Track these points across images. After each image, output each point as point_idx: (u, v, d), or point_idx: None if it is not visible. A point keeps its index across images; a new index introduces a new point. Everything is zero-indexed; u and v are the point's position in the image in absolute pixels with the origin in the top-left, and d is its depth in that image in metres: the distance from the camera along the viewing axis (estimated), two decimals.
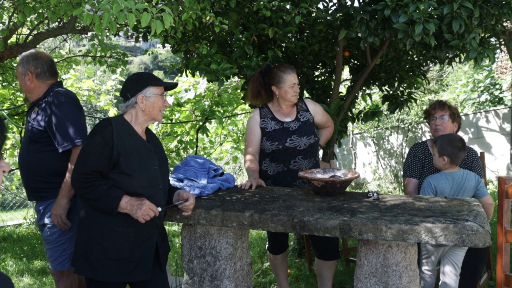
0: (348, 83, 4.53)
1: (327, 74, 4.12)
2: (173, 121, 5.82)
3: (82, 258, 2.05)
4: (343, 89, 5.08)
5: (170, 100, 5.22)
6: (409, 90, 4.18)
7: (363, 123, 4.49)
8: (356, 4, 3.11)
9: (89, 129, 2.46)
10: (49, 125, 2.43)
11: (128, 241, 2.04)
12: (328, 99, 3.82)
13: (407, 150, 8.12)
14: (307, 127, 2.87)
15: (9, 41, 3.95)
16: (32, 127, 2.48)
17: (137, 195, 2.03)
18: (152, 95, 2.10)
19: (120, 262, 2.04)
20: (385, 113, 7.08)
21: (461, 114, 4.16)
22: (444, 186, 2.58)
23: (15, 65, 5.03)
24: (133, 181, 2.03)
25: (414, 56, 4.04)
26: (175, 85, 2.22)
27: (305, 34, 3.69)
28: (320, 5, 3.41)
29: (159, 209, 2.04)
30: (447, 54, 2.92)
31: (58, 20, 3.93)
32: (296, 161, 2.84)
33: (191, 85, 5.36)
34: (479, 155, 2.96)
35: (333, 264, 2.85)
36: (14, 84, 5.28)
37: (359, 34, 2.93)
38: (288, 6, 3.09)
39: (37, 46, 4.23)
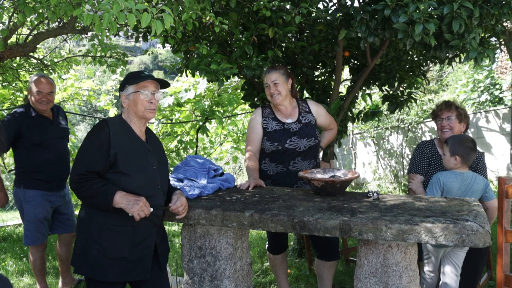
0: (348, 83, 4.53)
1: (327, 74, 4.11)
2: (173, 121, 5.82)
3: (81, 257, 2.06)
4: (343, 89, 5.08)
5: (170, 100, 5.22)
6: (409, 90, 4.17)
7: (363, 123, 4.49)
8: (356, 4, 3.11)
9: (89, 129, 2.59)
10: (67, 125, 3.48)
11: (127, 240, 2.05)
12: (328, 99, 3.82)
13: (407, 150, 8.12)
14: (308, 129, 2.87)
15: (9, 41, 3.94)
16: (65, 128, 3.42)
17: (136, 195, 2.03)
18: (131, 92, 2.10)
19: (118, 262, 2.04)
20: (385, 113, 7.08)
21: None
22: (453, 185, 2.57)
23: (15, 65, 5.03)
24: (131, 181, 2.03)
25: (414, 56, 4.04)
26: (150, 77, 2.14)
27: (305, 34, 3.69)
28: (320, 5, 3.41)
29: (151, 209, 2.04)
30: (447, 54, 2.92)
31: (58, 20, 3.92)
32: (295, 162, 2.84)
33: (191, 85, 5.36)
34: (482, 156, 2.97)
35: (333, 265, 2.85)
36: (14, 84, 5.28)
37: (359, 34, 2.93)
38: (288, 6, 3.09)
39: (37, 46, 4.22)
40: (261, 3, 2.92)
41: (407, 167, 4.32)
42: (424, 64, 4.21)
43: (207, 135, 5.55)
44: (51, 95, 3.24)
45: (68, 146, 3.67)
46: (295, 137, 2.82)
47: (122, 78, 5.59)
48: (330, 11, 3.34)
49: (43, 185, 3.21)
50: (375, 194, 2.33)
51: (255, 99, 3.83)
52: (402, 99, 4.12)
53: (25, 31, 4.94)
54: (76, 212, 3.52)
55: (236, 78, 4.97)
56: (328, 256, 2.82)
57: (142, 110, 2.10)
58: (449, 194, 2.58)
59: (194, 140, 5.73)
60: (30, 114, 3.20)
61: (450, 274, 2.56)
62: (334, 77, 3.82)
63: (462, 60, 3.57)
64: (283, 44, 3.68)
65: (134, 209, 1.96)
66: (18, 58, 4.94)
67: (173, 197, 2.20)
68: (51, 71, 5.12)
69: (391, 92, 4.17)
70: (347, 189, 2.99)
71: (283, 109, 2.89)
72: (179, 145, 5.83)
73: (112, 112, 6.24)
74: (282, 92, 2.81)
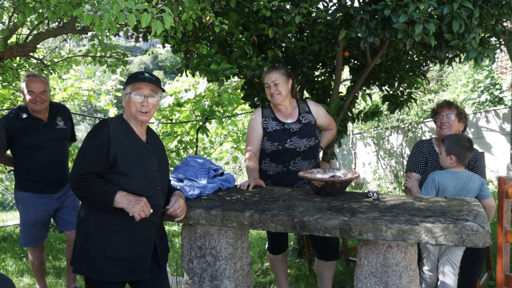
0: (348, 83, 4.53)
1: (327, 74, 4.12)
2: (173, 121, 5.82)
3: (81, 257, 2.06)
4: (343, 89, 5.08)
5: (170, 100, 5.22)
6: (409, 90, 4.18)
7: (363, 123, 4.49)
8: (356, 4, 3.11)
9: (89, 129, 2.58)
10: (70, 126, 3.40)
11: (126, 240, 2.05)
12: (328, 99, 3.82)
13: (407, 150, 8.12)
14: (308, 129, 2.87)
15: (9, 41, 3.94)
16: (62, 128, 3.29)
17: (136, 195, 2.03)
18: (127, 93, 2.12)
19: (118, 262, 2.04)
20: (385, 113, 7.08)
21: None
22: (448, 184, 2.58)
23: (15, 65, 5.03)
24: (130, 181, 2.03)
25: (414, 56, 4.04)
26: (147, 79, 2.11)
27: (305, 34, 3.69)
28: (320, 5, 3.41)
29: (151, 211, 2.04)
30: (447, 54, 2.92)
31: (58, 20, 3.92)
32: (295, 162, 2.84)
33: (191, 85, 5.36)
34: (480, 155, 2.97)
35: (333, 265, 2.85)
36: (14, 84, 5.28)
37: (359, 34, 2.93)
38: (288, 6, 3.09)
39: (37, 46, 4.22)
40: (261, 3, 2.92)
41: None
42: (424, 64, 4.21)
43: (207, 135, 5.55)
44: (44, 94, 3.12)
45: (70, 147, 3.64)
46: (295, 137, 2.82)
47: (122, 78, 5.61)
48: (330, 11, 3.35)
49: (35, 188, 3.14)
50: (375, 194, 2.33)
51: (255, 99, 3.83)
52: (402, 99, 4.12)
53: (25, 31, 4.93)
54: None
55: (236, 78, 4.96)
56: (328, 256, 2.82)
57: (134, 112, 2.11)
58: (444, 193, 2.58)
59: (194, 140, 5.73)
60: (21, 116, 3.11)
61: (448, 274, 2.56)
62: (334, 77, 3.82)
63: (462, 60, 3.57)
64: (283, 44, 3.68)
65: (135, 209, 1.96)
66: (18, 58, 4.94)
67: (171, 199, 2.20)
68: (51, 71, 5.11)
69: (391, 92, 4.17)
70: (347, 189, 2.99)
71: (283, 109, 2.89)
72: (179, 145, 5.83)
73: (112, 112, 6.24)
74: (282, 92, 2.81)
